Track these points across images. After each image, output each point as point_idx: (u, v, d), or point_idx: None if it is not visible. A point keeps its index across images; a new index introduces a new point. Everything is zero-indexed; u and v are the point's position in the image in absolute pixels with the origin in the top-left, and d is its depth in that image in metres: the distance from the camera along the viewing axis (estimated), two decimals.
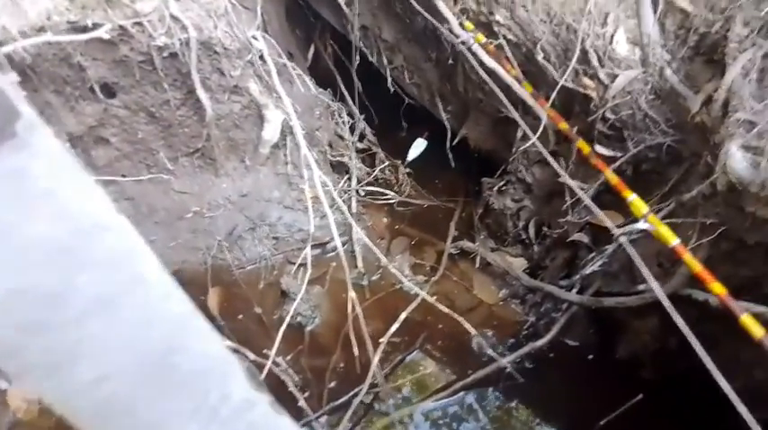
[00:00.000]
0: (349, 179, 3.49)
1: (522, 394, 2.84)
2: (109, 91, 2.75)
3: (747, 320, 1.54)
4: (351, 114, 3.67)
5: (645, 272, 1.78)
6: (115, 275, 0.68)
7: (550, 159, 2.27)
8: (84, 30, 2.41)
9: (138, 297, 0.69)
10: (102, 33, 2.33)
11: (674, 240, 1.71)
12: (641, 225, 1.81)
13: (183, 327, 0.75)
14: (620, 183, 1.93)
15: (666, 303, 1.70)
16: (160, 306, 0.72)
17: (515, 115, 2.54)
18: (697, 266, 1.67)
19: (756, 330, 1.52)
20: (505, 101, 2.51)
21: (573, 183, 2.64)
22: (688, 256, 1.68)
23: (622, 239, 1.98)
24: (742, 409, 1.58)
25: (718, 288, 1.64)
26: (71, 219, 0.67)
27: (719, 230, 2.06)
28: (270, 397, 0.81)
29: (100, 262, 0.67)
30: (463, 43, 2.58)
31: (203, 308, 2.99)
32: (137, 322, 0.68)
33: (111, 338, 0.64)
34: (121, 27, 2.46)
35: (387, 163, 3.74)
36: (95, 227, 0.70)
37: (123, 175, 3.02)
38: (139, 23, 2.47)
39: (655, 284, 1.81)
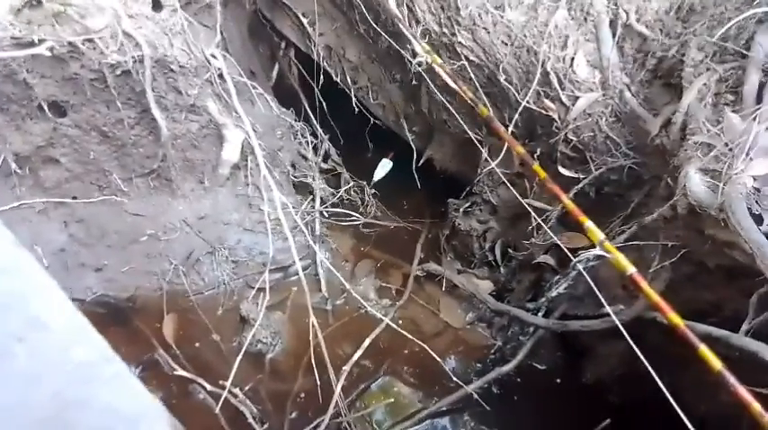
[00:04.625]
0: (313, 200, 3.42)
1: (491, 419, 2.78)
2: (59, 109, 2.63)
3: (705, 352, 1.51)
4: (315, 134, 3.61)
5: (603, 300, 1.75)
6: (4, 323, 0.60)
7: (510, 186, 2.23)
8: (30, 45, 2.30)
9: (30, 345, 0.61)
10: (44, 50, 2.21)
11: (630, 268, 1.68)
12: (597, 252, 1.78)
13: (85, 378, 0.66)
14: (576, 209, 1.90)
15: (621, 329, 1.67)
16: (58, 354, 0.64)
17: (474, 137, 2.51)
18: (654, 296, 1.65)
19: (714, 362, 1.49)
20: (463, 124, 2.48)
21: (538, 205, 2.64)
22: (644, 285, 1.65)
23: (579, 267, 1.95)
24: None
25: (675, 318, 1.62)
26: None
27: (681, 253, 2.05)
28: None
29: None
30: (420, 64, 2.56)
31: (158, 335, 2.85)
32: (28, 375, 0.59)
33: None
34: (71, 44, 2.35)
35: (352, 183, 3.68)
36: None
37: (74, 197, 2.89)
38: (90, 40, 2.37)
39: (611, 311, 1.78)
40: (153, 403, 0.74)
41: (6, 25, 2.25)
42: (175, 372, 2.65)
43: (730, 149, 1.83)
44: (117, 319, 2.90)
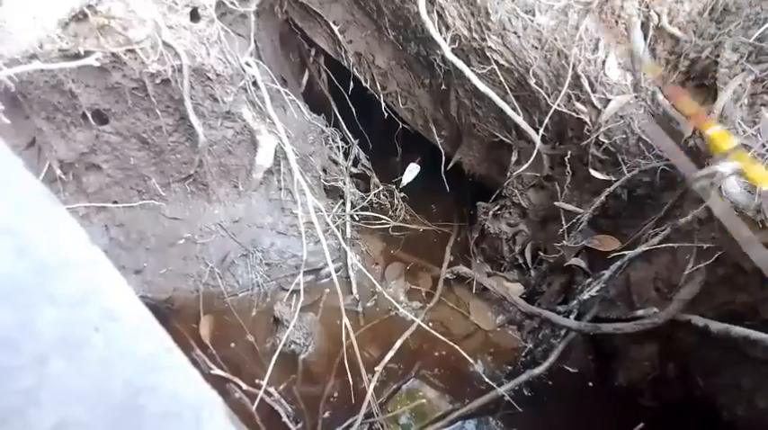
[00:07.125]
0: (343, 204, 3.47)
1: (521, 422, 2.77)
2: (101, 117, 2.74)
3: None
4: (345, 139, 3.66)
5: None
6: (80, 313, 0.65)
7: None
8: (76, 57, 2.41)
9: (105, 335, 0.66)
10: (93, 61, 2.32)
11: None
12: (723, 166, 1.66)
13: (153, 366, 0.71)
14: (701, 111, 1.77)
15: None
16: (129, 344, 0.69)
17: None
18: None
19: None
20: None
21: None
22: None
23: (696, 186, 1.82)
24: None
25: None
26: (34, 256, 0.64)
27: (716, 255, 2.03)
28: None
29: (64, 300, 0.64)
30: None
31: (195, 336, 2.93)
32: (102, 362, 0.64)
33: (73, 381, 0.60)
34: (114, 54, 2.46)
35: (381, 187, 3.72)
36: (63, 263, 0.67)
37: (114, 202, 3.00)
38: (132, 51, 2.47)
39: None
40: (210, 391, 0.78)
41: (54, 38, 2.36)
42: (212, 372, 2.72)
43: (767, 150, 1.81)
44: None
